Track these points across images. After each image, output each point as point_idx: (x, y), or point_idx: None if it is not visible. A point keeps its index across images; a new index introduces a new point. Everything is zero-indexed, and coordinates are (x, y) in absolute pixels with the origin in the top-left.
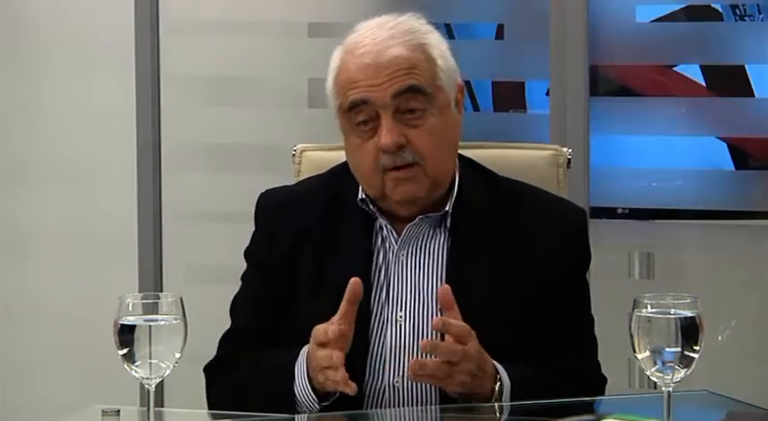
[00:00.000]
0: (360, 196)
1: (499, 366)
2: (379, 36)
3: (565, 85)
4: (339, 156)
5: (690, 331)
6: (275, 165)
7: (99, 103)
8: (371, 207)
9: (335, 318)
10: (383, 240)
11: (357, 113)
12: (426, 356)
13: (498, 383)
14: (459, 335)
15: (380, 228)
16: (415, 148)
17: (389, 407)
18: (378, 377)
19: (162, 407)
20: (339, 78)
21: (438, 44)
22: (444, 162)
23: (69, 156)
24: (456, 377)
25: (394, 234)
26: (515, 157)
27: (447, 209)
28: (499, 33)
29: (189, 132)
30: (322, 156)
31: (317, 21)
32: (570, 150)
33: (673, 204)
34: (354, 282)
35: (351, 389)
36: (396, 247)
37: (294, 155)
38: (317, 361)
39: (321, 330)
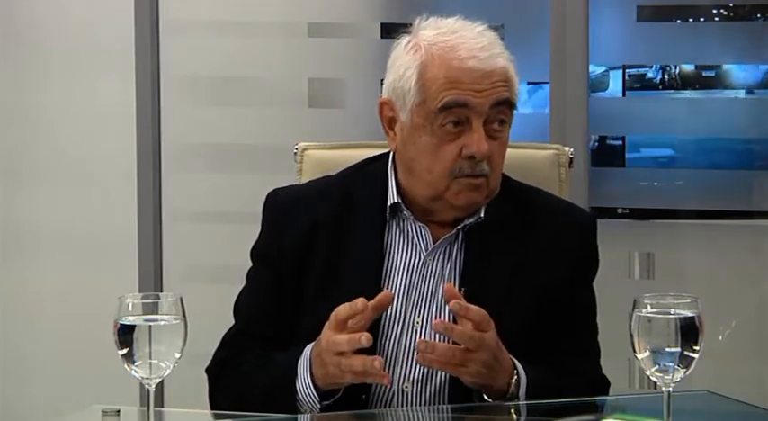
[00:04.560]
0: (392, 200)
1: (516, 361)
2: (480, 42)
3: (565, 84)
4: (341, 155)
5: (690, 331)
6: (275, 166)
7: (99, 103)
8: (405, 212)
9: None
10: (407, 244)
11: (448, 114)
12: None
13: (515, 378)
14: (477, 322)
15: (408, 231)
16: (490, 161)
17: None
18: None
19: (162, 407)
20: (430, 74)
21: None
22: (500, 176)
23: (70, 156)
24: (470, 366)
25: (425, 239)
26: (516, 157)
27: (481, 215)
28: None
29: (189, 132)
30: (324, 154)
31: (316, 21)
32: (572, 150)
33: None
34: (385, 295)
35: (386, 379)
36: (425, 253)
37: (296, 153)
38: (334, 346)
39: (344, 307)
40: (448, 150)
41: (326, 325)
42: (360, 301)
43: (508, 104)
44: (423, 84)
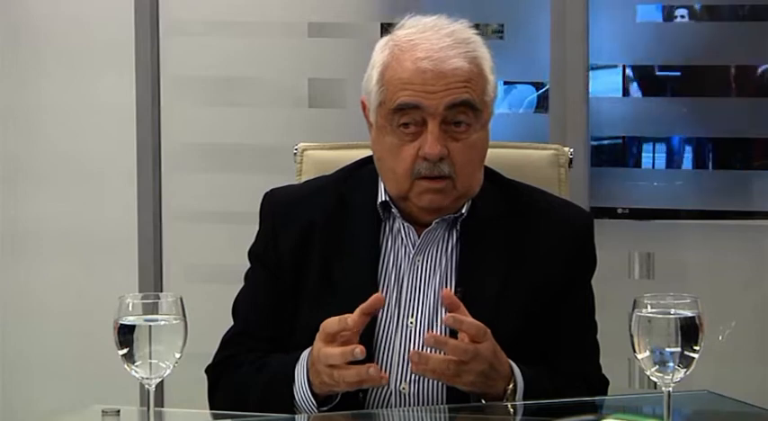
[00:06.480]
0: (381, 199)
1: (515, 366)
2: (439, 42)
3: (565, 85)
4: (341, 156)
5: (690, 331)
6: (275, 165)
7: (99, 103)
8: (393, 210)
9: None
10: (399, 244)
11: (402, 115)
12: (432, 351)
13: (512, 384)
14: (472, 334)
15: (397, 231)
16: (453, 162)
17: None
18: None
19: (162, 407)
20: (388, 75)
21: (488, 58)
22: (474, 177)
23: (69, 156)
24: (464, 376)
25: (412, 238)
26: (516, 157)
27: (463, 212)
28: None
29: (189, 132)
30: (324, 155)
31: (316, 21)
32: (572, 150)
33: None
34: (376, 297)
35: (385, 379)
36: (413, 252)
37: (296, 154)
38: (325, 359)
39: (333, 322)
40: (407, 151)
41: (317, 336)
42: (350, 319)
43: (467, 105)
44: (382, 84)
